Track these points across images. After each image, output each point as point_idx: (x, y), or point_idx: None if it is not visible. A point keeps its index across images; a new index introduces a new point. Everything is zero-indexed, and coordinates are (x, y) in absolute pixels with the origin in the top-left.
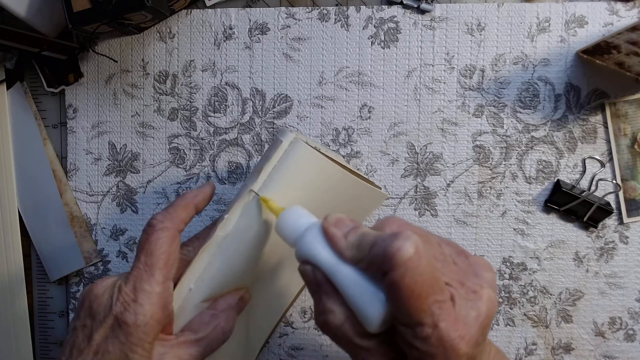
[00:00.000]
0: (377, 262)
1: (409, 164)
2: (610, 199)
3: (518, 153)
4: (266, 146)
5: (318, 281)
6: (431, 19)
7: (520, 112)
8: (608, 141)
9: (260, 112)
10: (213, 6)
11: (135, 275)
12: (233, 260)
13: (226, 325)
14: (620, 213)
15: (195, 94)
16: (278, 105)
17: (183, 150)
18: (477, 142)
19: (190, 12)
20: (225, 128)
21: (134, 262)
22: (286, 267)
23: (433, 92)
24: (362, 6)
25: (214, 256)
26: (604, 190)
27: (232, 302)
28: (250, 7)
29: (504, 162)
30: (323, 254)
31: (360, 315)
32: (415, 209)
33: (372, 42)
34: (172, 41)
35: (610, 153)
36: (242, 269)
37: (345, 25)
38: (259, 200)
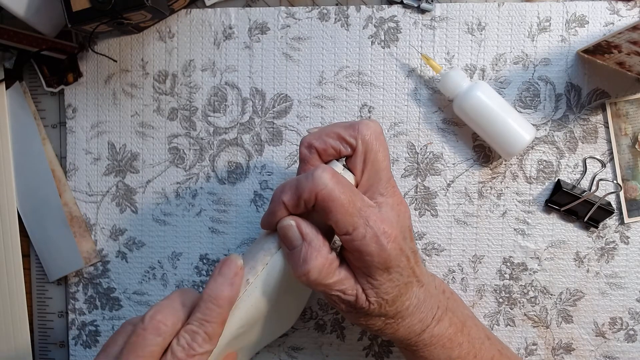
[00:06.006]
0: (308, 197)
1: (409, 164)
2: (611, 199)
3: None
4: (266, 146)
5: (303, 232)
6: (431, 19)
7: (521, 112)
8: (609, 141)
9: (260, 112)
10: (213, 6)
11: None
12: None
13: None
14: (621, 213)
15: (194, 93)
16: (278, 105)
17: (183, 150)
18: (478, 142)
19: (190, 11)
20: (225, 128)
21: None
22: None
23: (433, 92)
24: (362, 6)
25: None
26: (605, 190)
27: None
28: (250, 6)
29: (504, 162)
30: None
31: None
32: (415, 209)
33: (372, 42)
34: (171, 41)
35: (611, 153)
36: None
37: (345, 25)
38: None
